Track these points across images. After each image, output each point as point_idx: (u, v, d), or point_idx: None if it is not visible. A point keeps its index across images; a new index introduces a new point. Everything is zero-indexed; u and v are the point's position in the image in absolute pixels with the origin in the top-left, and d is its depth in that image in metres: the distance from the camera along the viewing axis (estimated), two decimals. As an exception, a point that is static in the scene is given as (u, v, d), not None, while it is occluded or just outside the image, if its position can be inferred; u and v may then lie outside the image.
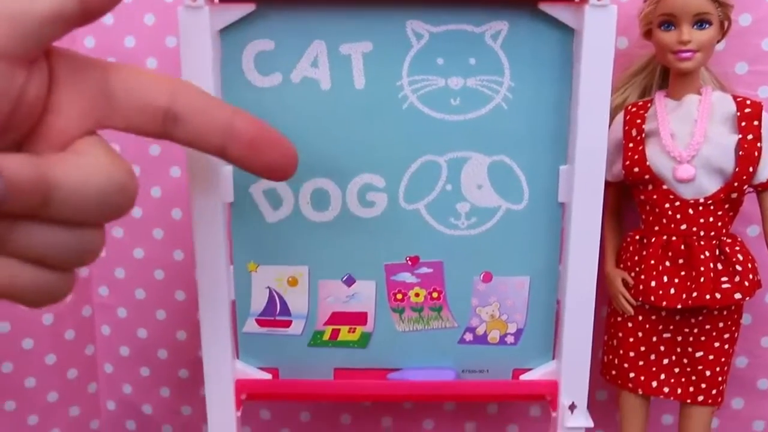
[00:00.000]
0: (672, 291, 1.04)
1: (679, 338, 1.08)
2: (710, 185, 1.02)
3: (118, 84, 0.45)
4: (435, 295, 1.06)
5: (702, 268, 1.02)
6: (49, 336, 1.37)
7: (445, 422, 1.35)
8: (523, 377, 1.09)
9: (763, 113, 1.02)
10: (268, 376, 1.09)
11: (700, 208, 1.02)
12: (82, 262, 0.42)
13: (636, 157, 1.04)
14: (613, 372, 1.12)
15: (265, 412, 1.38)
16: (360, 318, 1.07)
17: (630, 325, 1.09)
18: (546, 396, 1.11)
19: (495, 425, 1.34)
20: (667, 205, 1.04)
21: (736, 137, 1.01)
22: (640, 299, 1.07)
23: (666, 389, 1.10)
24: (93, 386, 1.43)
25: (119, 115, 0.45)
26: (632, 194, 1.10)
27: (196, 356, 1.34)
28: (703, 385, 1.08)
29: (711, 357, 1.07)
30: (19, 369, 1.36)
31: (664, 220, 1.04)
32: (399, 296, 1.06)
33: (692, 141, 1.01)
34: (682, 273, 1.04)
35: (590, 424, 1.07)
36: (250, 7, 0.96)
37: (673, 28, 1.01)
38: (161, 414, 1.43)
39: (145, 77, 0.46)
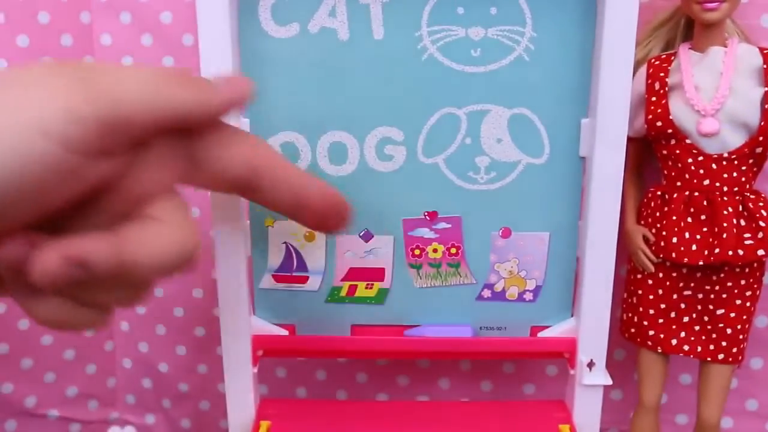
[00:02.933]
0: (694, 247, 1.02)
1: (700, 296, 1.06)
2: (735, 139, 1.00)
3: (202, 150, 0.44)
4: (453, 250, 1.05)
5: (725, 224, 1.00)
6: (66, 293, 1.36)
7: (461, 381, 1.34)
8: (542, 334, 1.08)
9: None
10: (284, 332, 1.08)
11: (724, 162, 1.00)
12: (130, 305, 0.42)
13: (659, 110, 1.02)
14: (632, 330, 1.11)
15: (281, 371, 1.38)
16: (377, 274, 1.06)
17: (650, 282, 1.08)
18: (564, 353, 1.09)
19: (512, 384, 1.33)
20: (689, 160, 1.02)
21: (762, 90, 0.98)
22: (661, 256, 1.05)
23: (686, 347, 1.08)
24: (110, 344, 1.43)
25: (201, 178, 0.45)
26: (654, 150, 1.07)
27: (212, 315, 1.34)
28: (724, 343, 1.06)
29: (732, 315, 1.05)
30: (35, 326, 1.36)
31: (687, 176, 1.02)
32: (417, 252, 1.05)
33: (717, 94, 0.99)
34: (705, 229, 1.02)
35: (609, 381, 1.06)
36: (266, -45, 0.95)
37: None
38: (177, 372, 1.42)
39: (228, 145, 0.45)
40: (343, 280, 1.06)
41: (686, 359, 1.23)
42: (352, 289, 1.07)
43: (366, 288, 1.07)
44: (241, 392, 1.08)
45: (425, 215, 1.03)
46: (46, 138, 0.33)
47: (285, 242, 1.05)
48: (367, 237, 1.04)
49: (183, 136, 0.43)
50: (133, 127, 0.38)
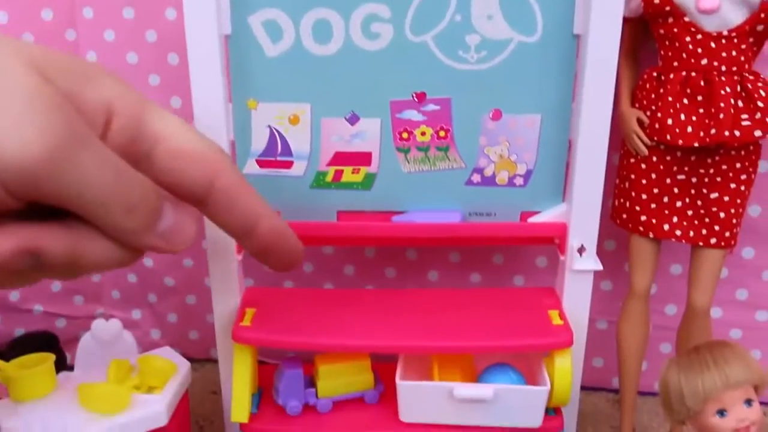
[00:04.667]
0: (689, 129, 0.99)
1: (694, 179, 1.04)
2: (735, 16, 0.96)
3: (160, 158, 0.40)
4: (442, 134, 1.02)
5: (722, 104, 0.97)
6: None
7: (450, 273, 1.33)
8: (532, 220, 1.06)
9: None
10: (269, 218, 1.06)
11: (723, 41, 0.97)
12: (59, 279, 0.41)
13: (656, -14, 0.98)
14: (624, 215, 1.09)
15: (267, 264, 1.36)
16: (364, 158, 1.04)
17: (643, 166, 1.05)
18: (554, 239, 1.08)
19: (501, 275, 1.32)
20: (687, 39, 0.98)
21: (766, -37, 0.94)
22: (656, 138, 1.02)
23: (678, 232, 1.06)
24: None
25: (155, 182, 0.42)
26: (650, 29, 1.04)
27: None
28: (717, 228, 1.04)
29: (726, 198, 1.03)
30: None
31: (684, 55, 0.99)
32: (405, 135, 1.02)
33: (718, -33, 0.95)
34: (701, 110, 0.99)
35: (599, 267, 1.05)
36: None
37: None
38: (163, 267, 1.41)
39: (188, 156, 0.41)
40: (328, 164, 1.04)
41: (677, 248, 1.22)
42: (338, 174, 1.04)
43: (352, 173, 1.04)
44: (225, 280, 1.07)
45: (413, 96, 1.00)
46: None
47: (269, 125, 1.02)
48: (353, 120, 1.01)
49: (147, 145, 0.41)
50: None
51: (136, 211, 0.38)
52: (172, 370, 1.07)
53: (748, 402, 0.88)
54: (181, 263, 1.40)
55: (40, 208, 0.36)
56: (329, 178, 1.04)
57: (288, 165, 1.03)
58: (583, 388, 1.18)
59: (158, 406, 1.01)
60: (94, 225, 0.38)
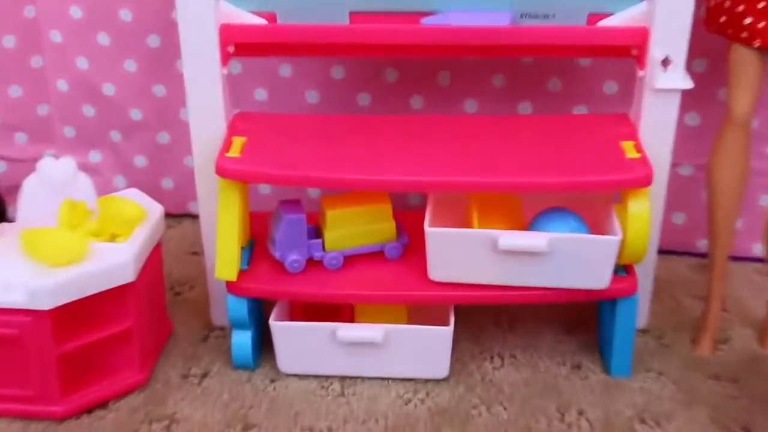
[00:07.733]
0: None
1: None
2: None
3: None
4: None
5: None
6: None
7: (492, 102, 1.28)
8: (602, 23, 1.01)
9: None
10: (262, 21, 1.01)
11: None
12: None
13: None
14: (723, 18, 1.03)
15: (260, 92, 1.32)
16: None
17: (752, -49, 0.99)
18: (631, 49, 1.03)
19: (558, 106, 1.27)
20: None
21: None
22: None
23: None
24: (38, 60, 1.38)
25: None
26: None
27: (170, 19, 1.26)
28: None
29: None
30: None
31: None
32: None
33: None
34: None
35: (689, 84, 1.00)
36: None
37: None
38: (127, 96, 1.38)
39: None
40: (338, -52, 0.99)
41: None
42: (351, -39, 0.99)
43: (369, -41, 0.99)
44: (206, 101, 1.03)
45: None
46: None
47: None
48: None
49: None
50: None
51: None
52: (141, 215, 1.05)
53: None
54: (150, 90, 1.36)
55: None
56: (339, -33, 0.99)
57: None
58: (659, 251, 1.15)
59: (123, 256, 0.99)
60: None
